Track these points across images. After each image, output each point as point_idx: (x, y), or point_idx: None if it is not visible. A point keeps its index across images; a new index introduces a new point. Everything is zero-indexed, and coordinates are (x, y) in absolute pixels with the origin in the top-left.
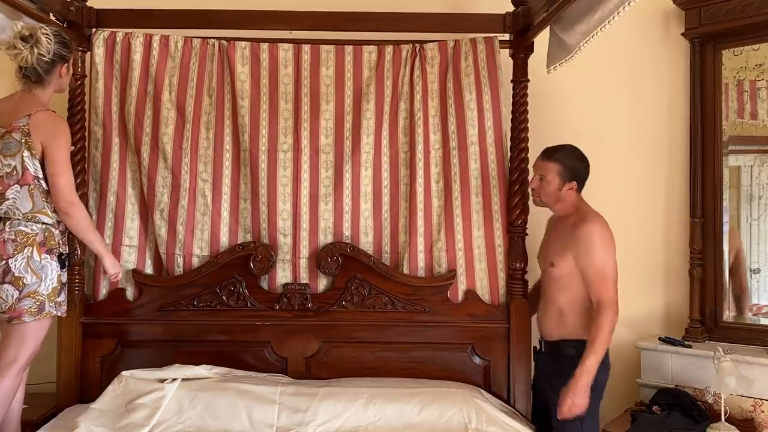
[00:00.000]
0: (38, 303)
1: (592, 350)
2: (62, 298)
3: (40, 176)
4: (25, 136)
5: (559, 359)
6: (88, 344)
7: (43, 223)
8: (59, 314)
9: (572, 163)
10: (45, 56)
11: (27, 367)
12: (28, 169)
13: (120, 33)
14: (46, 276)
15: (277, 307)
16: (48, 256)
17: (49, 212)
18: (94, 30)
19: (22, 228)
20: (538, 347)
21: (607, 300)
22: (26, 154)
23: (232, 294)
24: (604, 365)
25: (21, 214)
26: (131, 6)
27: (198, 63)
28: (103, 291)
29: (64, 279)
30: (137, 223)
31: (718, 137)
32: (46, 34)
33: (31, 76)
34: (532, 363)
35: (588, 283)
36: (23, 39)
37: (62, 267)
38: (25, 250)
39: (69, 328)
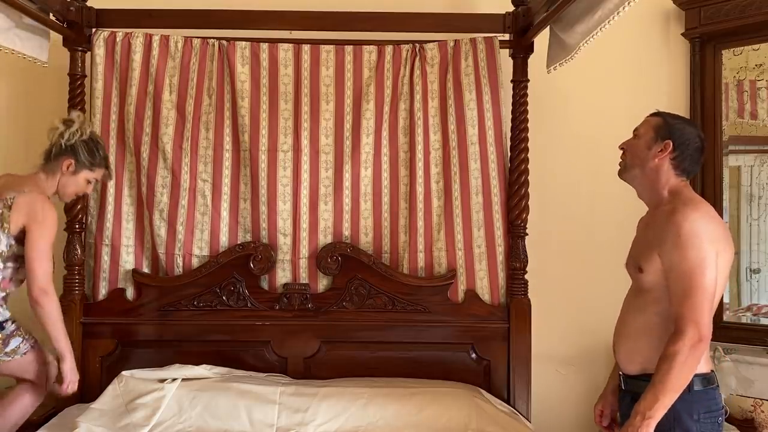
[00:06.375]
0: None
1: (651, 387)
2: (11, 347)
3: (2, 253)
4: (5, 209)
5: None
6: (88, 344)
7: None
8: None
9: (678, 123)
10: (62, 139)
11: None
12: None
13: (120, 33)
14: None
15: (277, 307)
16: None
17: None
18: (94, 30)
19: None
20: (619, 383)
21: (689, 317)
22: None
23: (232, 294)
24: (711, 413)
25: None
26: (131, 6)
27: (198, 63)
28: (102, 291)
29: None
30: (135, 224)
31: (718, 137)
32: (81, 126)
33: (46, 153)
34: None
35: (671, 291)
36: (65, 121)
37: None
38: None
39: (69, 328)
